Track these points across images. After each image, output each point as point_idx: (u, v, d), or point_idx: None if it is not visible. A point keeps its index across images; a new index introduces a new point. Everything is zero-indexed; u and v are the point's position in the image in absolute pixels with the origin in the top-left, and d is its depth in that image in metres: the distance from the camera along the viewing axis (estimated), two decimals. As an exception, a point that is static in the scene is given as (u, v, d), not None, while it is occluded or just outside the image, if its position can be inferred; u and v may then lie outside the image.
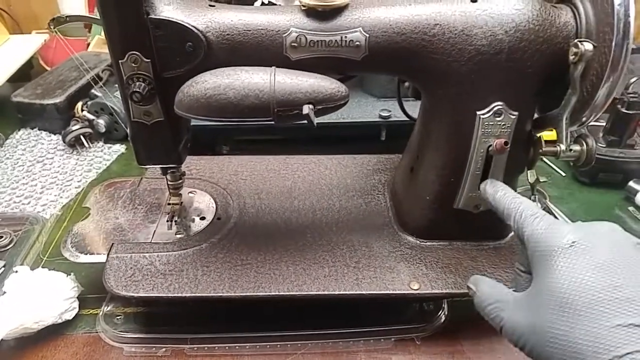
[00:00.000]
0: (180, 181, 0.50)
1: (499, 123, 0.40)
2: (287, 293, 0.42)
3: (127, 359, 0.44)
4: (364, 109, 0.65)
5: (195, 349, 0.44)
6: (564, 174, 0.65)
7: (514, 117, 0.39)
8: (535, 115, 0.43)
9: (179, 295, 0.42)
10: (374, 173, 0.55)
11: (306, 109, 0.36)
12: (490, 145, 0.40)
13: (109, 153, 0.69)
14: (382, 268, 0.44)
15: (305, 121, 0.37)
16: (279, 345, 0.45)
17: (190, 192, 0.53)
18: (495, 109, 0.39)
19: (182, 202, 0.51)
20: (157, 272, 0.44)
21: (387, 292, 0.42)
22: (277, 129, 0.66)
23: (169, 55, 0.38)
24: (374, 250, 0.46)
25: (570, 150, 0.40)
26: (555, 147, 0.40)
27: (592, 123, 0.64)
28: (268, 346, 0.45)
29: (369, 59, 0.38)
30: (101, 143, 0.70)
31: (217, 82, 0.36)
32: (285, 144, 0.68)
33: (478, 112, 0.39)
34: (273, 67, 0.37)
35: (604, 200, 0.62)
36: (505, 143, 0.39)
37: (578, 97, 0.37)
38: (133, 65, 0.38)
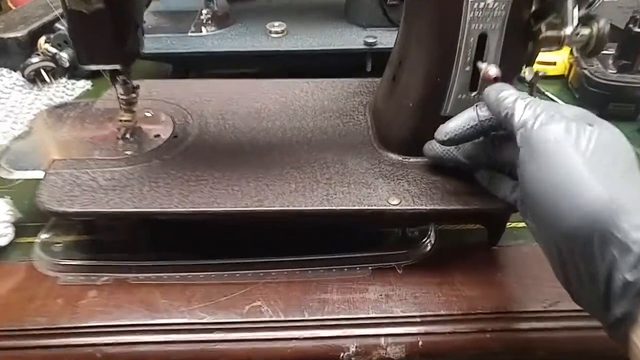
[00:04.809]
0: (134, 95, 0.44)
1: (491, 7, 0.34)
2: (245, 209, 0.36)
3: (61, 289, 0.38)
4: (348, 38, 0.59)
5: (141, 277, 0.39)
6: (570, 109, 0.59)
7: (509, -3, 0.33)
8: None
9: (119, 210, 0.36)
10: (354, 95, 0.49)
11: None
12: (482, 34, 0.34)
13: (73, 89, 0.63)
14: (357, 184, 0.38)
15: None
16: (237, 274, 0.39)
17: (147, 112, 0.47)
18: (488, -15, 0.33)
19: (136, 121, 0.45)
20: (98, 188, 0.38)
21: (362, 207, 0.36)
22: (252, 62, 0.61)
23: None
24: (349, 168, 0.39)
25: (578, 34, 0.33)
26: (559, 32, 0.33)
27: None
28: (225, 275, 0.39)
29: None
30: (65, 79, 0.65)
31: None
32: (261, 77, 0.62)
33: (467, -8, 0.33)
34: None
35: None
36: (496, 79, 0.33)
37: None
38: None
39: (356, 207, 0.36)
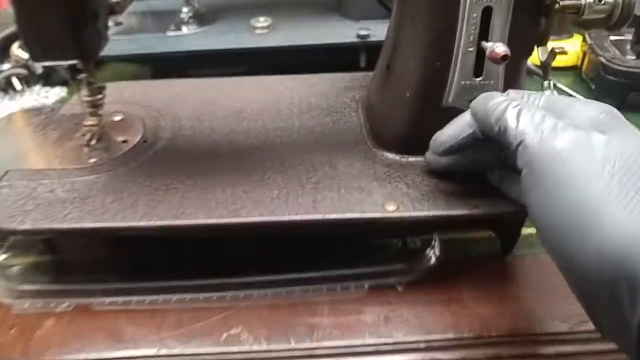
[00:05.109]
0: (100, 96, 0.39)
1: (498, -25, 0.29)
2: (218, 221, 0.31)
3: (16, 318, 0.33)
4: (339, 31, 0.55)
5: (106, 302, 0.34)
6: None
7: (518, -37, 0.29)
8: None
9: (76, 226, 0.31)
10: (346, 91, 0.44)
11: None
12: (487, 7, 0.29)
13: (46, 96, 0.59)
14: (348, 188, 0.33)
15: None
16: (214, 297, 0.34)
17: (116, 116, 0.42)
18: (492, -50, 0.28)
19: (102, 126, 0.41)
20: (55, 201, 0.33)
21: (353, 215, 0.31)
22: (236, 60, 0.56)
23: None
24: (339, 170, 0.35)
25: (600, 1, 0.28)
26: (578, 1, 0.29)
27: (616, 37, 0.54)
28: (201, 298, 0.34)
29: None
30: (38, 86, 0.61)
31: None
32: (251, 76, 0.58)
33: (468, -42, 0.29)
34: None
35: (636, 126, 0.49)
36: (504, 58, 0.28)
37: None
38: None
39: (347, 216, 0.31)
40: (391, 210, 0.31)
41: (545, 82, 0.33)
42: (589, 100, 0.26)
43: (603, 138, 0.22)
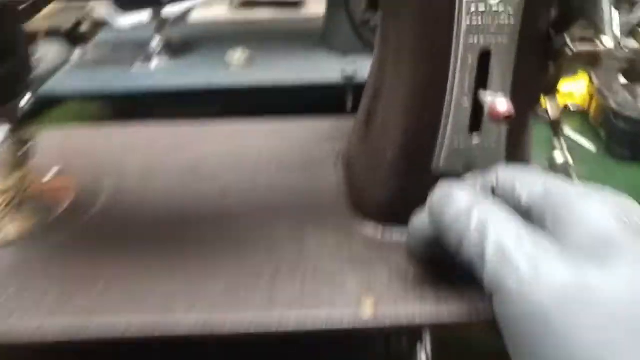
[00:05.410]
0: (23, 151, 0.33)
1: (495, 11, 0.23)
2: (135, 333, 0.23)
3: None
4: (325, 67, 0.49)
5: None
6: (594, 150, 0.47)
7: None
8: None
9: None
10: (325, 141, 0.37)
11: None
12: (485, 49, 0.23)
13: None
14: (316, 276, 0.26)
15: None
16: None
17: (50, 169, 0.35)
18: (489, -15, 0.22)
19: (28, 186, 0.34)
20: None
21: (316, 325, 0.23)
22: (209, 99, 0.50)
23: None
24: (308, 250, 0.28)
25: (620, 47, 0.22)
26: (594, 45, 0.22)
27: (626, 81, 0.47)
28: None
29: None
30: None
31: None
32: (225, 116, 0.52)
33: (460, -7, 0.22)
34: None
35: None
36: (507, 117, 0.22)
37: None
38: None
39: (308, 325, 0.23)
40: (369, 306, 0.24)
41: (556, 142, 0.27)
42: (598, 194, 0.19)
43: (601, 276, 0.16)
